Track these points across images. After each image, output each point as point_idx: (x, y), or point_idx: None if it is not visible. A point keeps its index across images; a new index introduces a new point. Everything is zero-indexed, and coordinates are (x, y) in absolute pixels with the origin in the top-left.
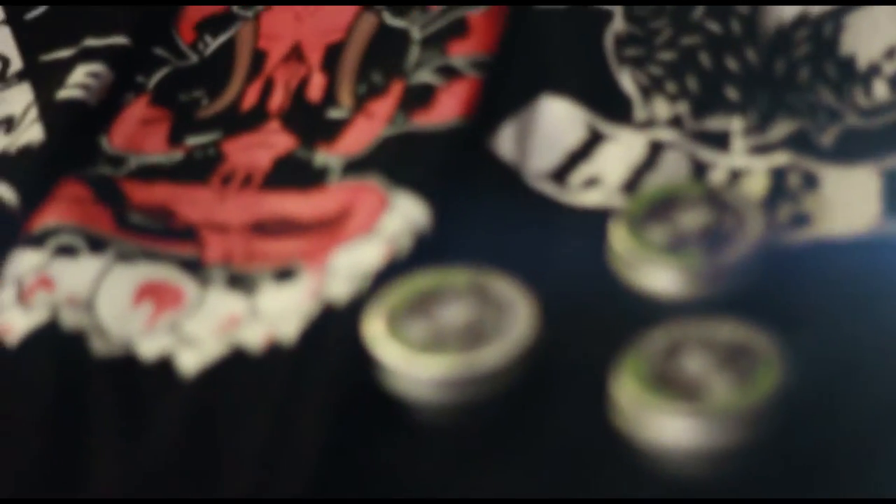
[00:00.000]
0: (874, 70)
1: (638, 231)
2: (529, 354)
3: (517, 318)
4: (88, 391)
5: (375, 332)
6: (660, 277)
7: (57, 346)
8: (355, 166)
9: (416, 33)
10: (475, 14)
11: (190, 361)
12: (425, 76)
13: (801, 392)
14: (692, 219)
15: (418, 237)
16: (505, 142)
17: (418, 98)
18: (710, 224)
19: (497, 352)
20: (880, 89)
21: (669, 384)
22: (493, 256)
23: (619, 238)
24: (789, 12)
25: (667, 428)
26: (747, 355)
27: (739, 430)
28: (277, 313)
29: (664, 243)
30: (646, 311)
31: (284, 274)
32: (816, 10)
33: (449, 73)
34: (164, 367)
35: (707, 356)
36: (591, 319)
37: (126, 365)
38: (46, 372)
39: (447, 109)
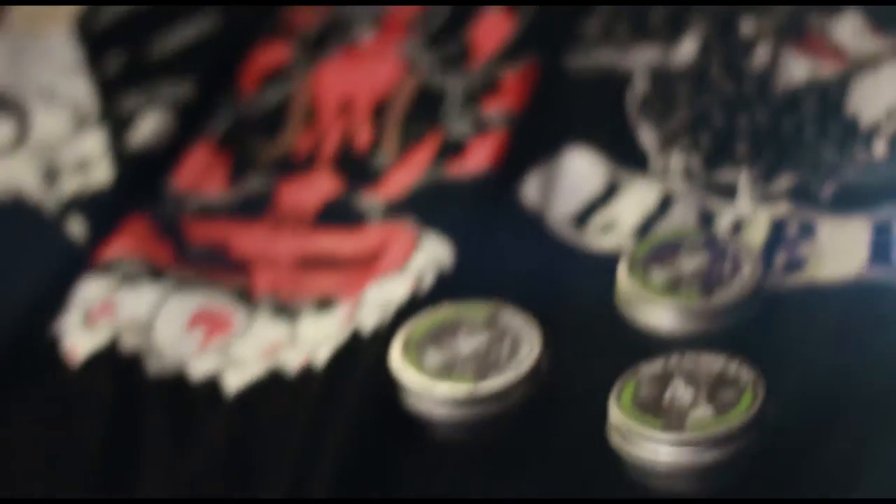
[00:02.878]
0: (875, 129)
1: (641, 272)
2: (534, 380)
3: (526, 348)
4: (142, 408)
5: (399, 358)
6: (659, 315)
7: (115, 366)
8: (394, 210)
9: (457, 91)
10: (510, 73)
11: (233, 381)
12: (460, 129)
13: (777, 420)
14: (691, 262)
15: (442, 274)
16: (531, 190)
17: (453, 149)
18: (706, 267)
19: (504, 378)
20: (879, 147)
21: (658, 411)
22: (511, 293)
23: (624, 278)
24: (799, 74)
25: (653, 448)
26: (730, 386)
27: (714, 452)
28: (314, 340)
29: (664, 284)
30: (643, 346)
31: (323, 304)
32: (826, 72)
33: (481, 126)
34: (211, 386)
35: (692, 387)
36: (594, 352)
37: (177, 384)
38: (105, 390)
39: (478, 160)
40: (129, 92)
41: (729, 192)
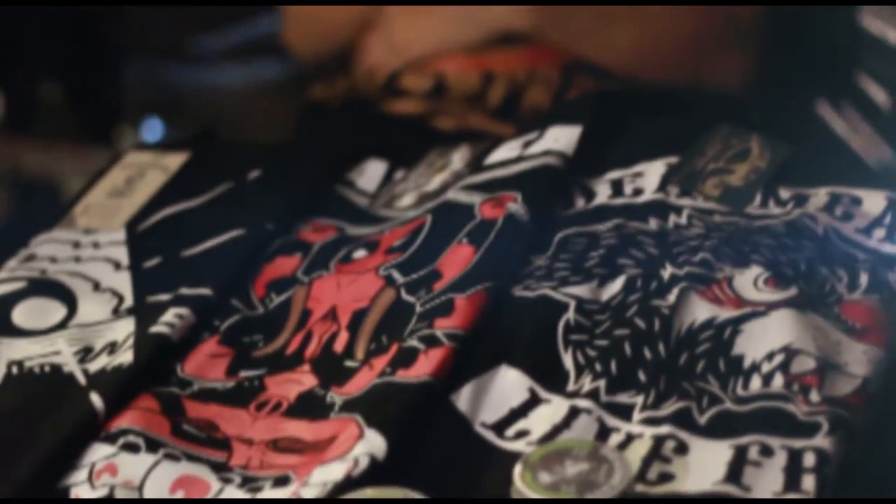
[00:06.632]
0: (755, 368)
1: (531, 473)
2: None
3: None
4: None
5: None
6: None
7: None
8: (350, 405)
9: (418, 308)
10: (461, 298)
11: None
12: (414, 342)
13: None
14: (574, 468)
15: (375, 462)
16: (464, 398)
17: (405, 358)
18: (585, 473)
19: None
20: (755, 383)
21: None
22: (430, 483)
23: (517, 477)
24: (702, 315)
25: None
26: None
27: None
28: None
29: (548, 485)
30: None
31: (280, 480)
32: (724, 315)
33: (431, 341)
34: None
35: None
36: None
37: None
38: None
39: (423, 369)
40: (160, 289)
41: (625, 412)
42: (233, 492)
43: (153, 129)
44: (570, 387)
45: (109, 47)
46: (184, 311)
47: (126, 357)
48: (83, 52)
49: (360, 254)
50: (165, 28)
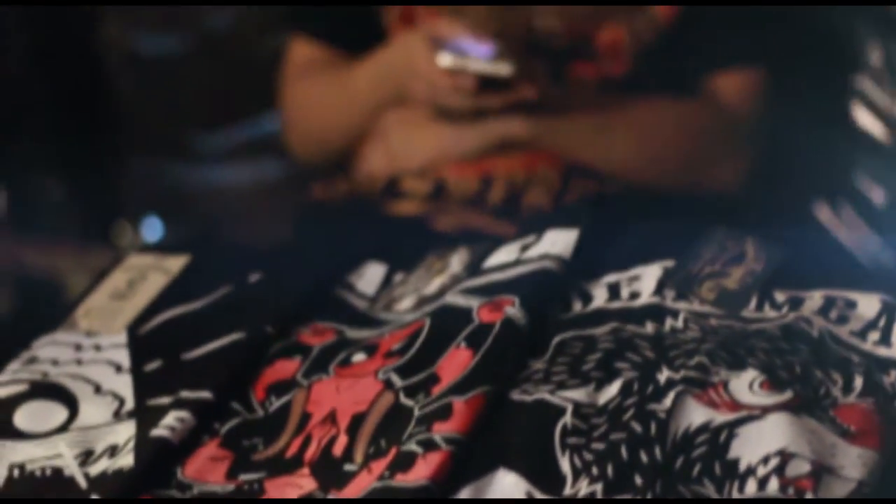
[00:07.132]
0: (750, 471)
1: None
2: None
3: None
4: None
5: None
6: None
7: None
8: None
9: (416, 412)
10: (460, 401)
11: None
12: (412, 446)
13: None
14: None
15: None
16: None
17: (404, 462)
18: None
19: None
20: (751, 487)
21: None
22: None
23: None
24: (698, 419)
25: None
26: None
27: None
28: None
29: None
30: None
31: None
32: (719, 419)
33: (429, 445)
34: None
35: None
36: None
37: None
38: None
39: (421, 473)
40: (161, 392)
41: None
42: None
43: (153, 228)
44: (568, 490)
45: (111, 145)
46: (184, 414)
47: (127, 460)
48: (85, 150)
49: (359, 357)
50: (167, 126)
